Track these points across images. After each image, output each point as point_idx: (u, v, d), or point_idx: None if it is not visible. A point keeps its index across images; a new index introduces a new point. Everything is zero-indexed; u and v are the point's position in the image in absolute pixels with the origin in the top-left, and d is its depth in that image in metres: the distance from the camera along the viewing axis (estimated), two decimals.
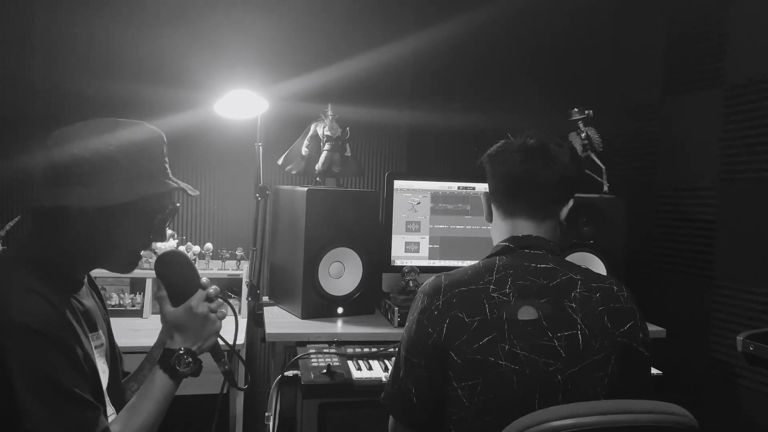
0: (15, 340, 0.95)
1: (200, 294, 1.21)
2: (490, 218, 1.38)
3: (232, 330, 1.34)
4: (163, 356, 1.18)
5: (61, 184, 1.07)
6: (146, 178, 1.12)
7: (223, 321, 1.26)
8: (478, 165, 1.38)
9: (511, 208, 1.30)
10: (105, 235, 1.12)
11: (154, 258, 1.27)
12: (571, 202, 1.32)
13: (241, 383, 1.38)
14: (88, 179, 1.07)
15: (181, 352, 1.17)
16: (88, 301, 1.20)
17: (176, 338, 1.19)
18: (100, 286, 1.36)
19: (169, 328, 1.21)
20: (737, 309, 2.14)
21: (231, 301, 2.41)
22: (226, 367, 1.26)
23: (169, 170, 1.19)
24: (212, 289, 1.24)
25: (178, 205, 1.23)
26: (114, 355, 1.27)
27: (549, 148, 1.28)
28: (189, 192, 1.19)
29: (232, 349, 1.29)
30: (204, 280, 1.24)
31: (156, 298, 1.24)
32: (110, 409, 1.17)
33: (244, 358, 1.56)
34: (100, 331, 1.22)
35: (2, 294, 0.99)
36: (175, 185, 1.16)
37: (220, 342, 1.26)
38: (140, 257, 1.22)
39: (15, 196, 2.42)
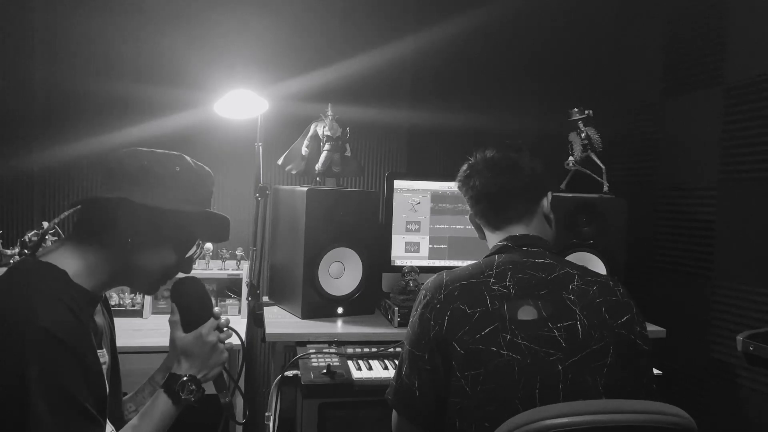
0: (38, 346, 0.96)
1: (212, 323, 1.24)
2: (483, 236, 1.44)
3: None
4: (167, 381, 1.19)
5: (124, 183, 1.12)
6: (197, 202, 1.19)
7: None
8: (458, 188, 1.47)
9: (497, 221, 1.38)
10: (141, 248, 1.14)
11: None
12: (549, 195, 1.41)
13: (240, 417, 1.40)
14: (148, 186, 1.13)
15: (185, 379, 1.18)
16: (99, 318, 1.21)
17: (183, 364, 1.21)
18: None
19: (178, 353, 1.22)
20: (737, 309, 2.14)
21: (231, 301, 2.43)
22: (227, 399, 1.27)
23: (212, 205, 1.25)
24: (224, 319, 1.27)
25: (205, 245, 1.26)
26: (115, 374, 1.29)
27: (510, 157, 1.38)
28: (228, 222, 1.24)
29: (236, 382, 1.31)
30: (216, 309, 1.27)
31: (168, 322, 1.26)
32: (108, 427, 1.17)
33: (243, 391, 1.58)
34: (104, 350, 1.23)
35: (31, 299, 1.00)
36: (219, 214, 1.23)
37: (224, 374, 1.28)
38: (164, 283, 1.24)
39: (16, 196, 2.42)
